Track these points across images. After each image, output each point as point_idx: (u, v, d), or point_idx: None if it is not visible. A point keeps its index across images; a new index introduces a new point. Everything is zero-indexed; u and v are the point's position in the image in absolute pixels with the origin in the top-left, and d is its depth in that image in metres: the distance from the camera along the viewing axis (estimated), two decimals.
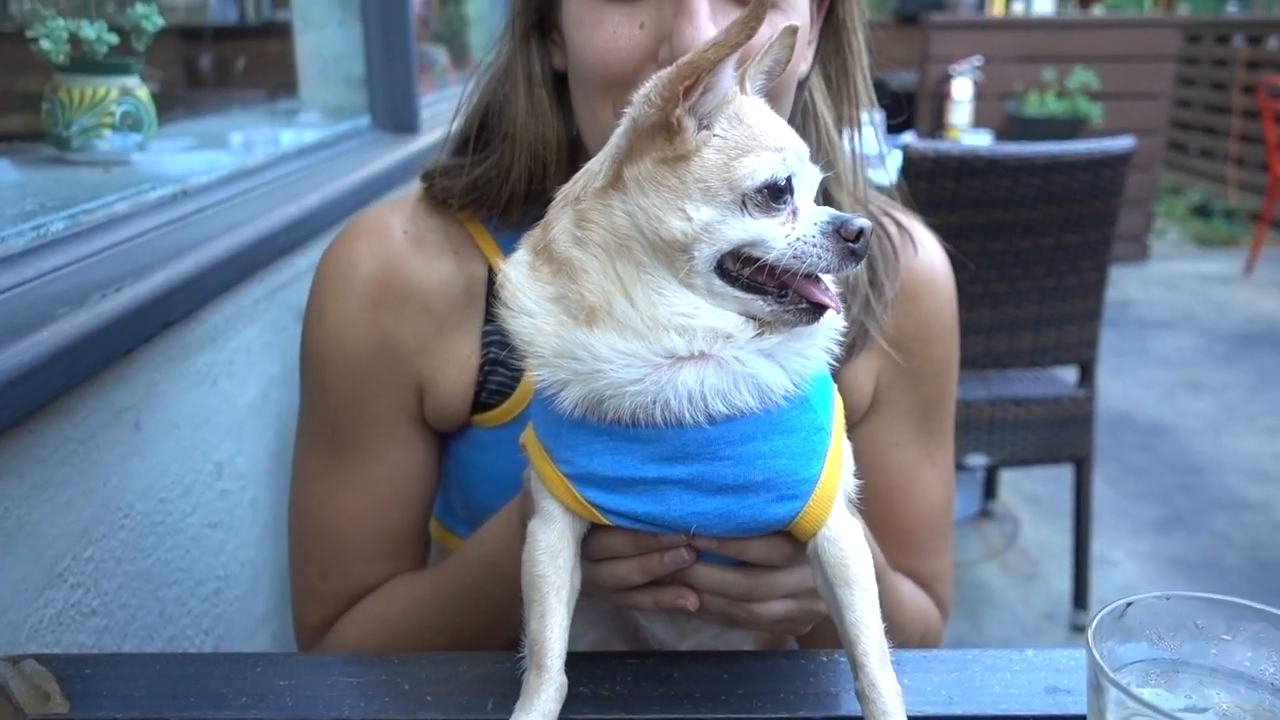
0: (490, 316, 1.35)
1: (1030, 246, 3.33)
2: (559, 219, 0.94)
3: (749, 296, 0.89)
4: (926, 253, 1.44)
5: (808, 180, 0.91)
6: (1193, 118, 11.10)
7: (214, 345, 1.69)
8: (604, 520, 0.95)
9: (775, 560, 1.00)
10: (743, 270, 0.89)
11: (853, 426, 1.18)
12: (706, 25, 1.12)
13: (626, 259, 0.89)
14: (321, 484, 1.38)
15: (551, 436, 0.97)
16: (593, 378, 0.90)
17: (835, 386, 1.01)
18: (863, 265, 1.30)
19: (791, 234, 0.88)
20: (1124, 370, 6.33)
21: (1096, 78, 7.24)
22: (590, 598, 1.02)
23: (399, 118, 2.96)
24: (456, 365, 1.35)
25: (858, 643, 0.92)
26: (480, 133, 1.35)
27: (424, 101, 3.06)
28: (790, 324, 0.90)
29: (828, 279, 0.93)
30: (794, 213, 0.89)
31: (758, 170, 0.87)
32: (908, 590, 1.41)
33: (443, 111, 3.26)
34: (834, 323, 0.95)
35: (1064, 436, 3.60)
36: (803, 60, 1.24)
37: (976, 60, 7.17)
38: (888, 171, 1.59)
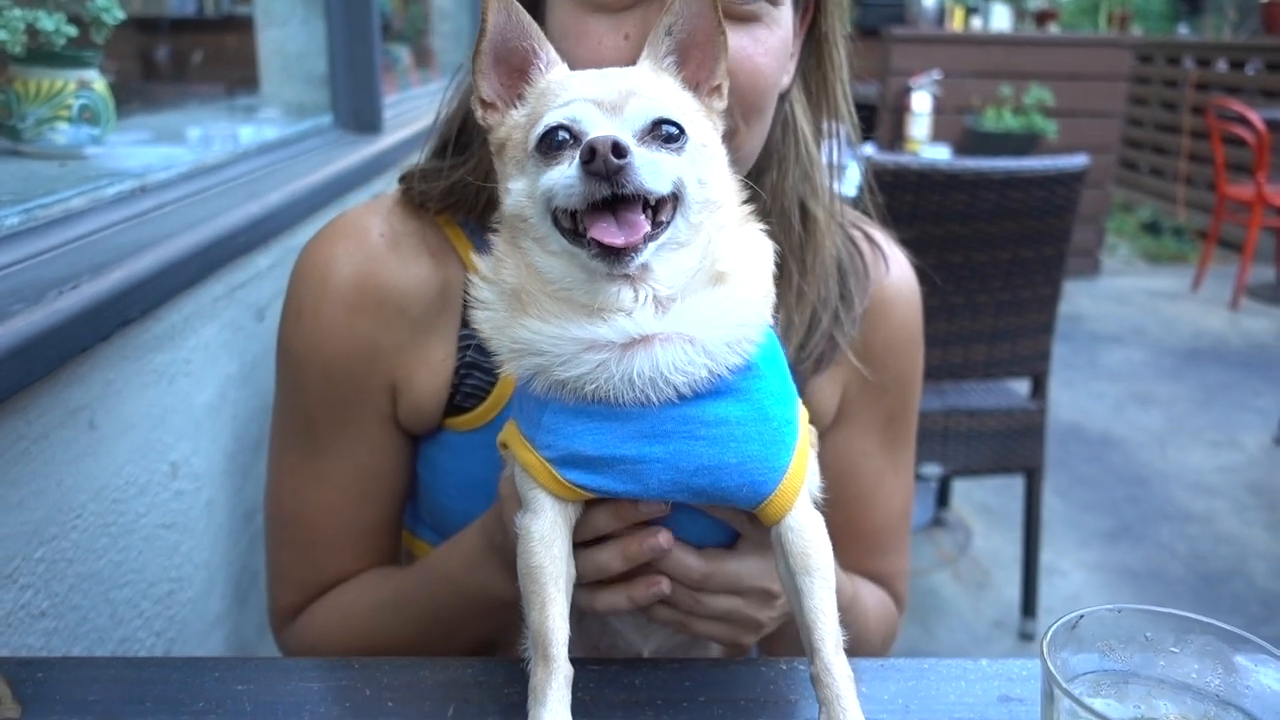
0: (467, 320, 1.35)
1: (986, 260, 3.37)
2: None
3: (576, 249, 0.91)
4: (898, 268, 1.46)
5: (623, 120, 0.91)
6: (1144, 136, 11.33)
7: (172, 344, 1.66)
8: (585, 495, 0.97)
9: (737, 522, 1.03)
10: (566, 224, 0.91)
11: (820, 437, 1.20)
12: None
13: (516, 241, 0.97)
14: (295, 477, 1.39)
15: (532, 427, 0.99)
16: (544, 365, 0.93)
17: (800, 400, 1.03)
18: (833, 280, 1.34)
19: (564, 174, 0.89)
20: (1074, 383, 6.44)
21: (1052, 95, 7.37)
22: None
23: (362, 117, 2.93)
24: (431, 368, 1.35)
25: (815, 628, 0.95)
26: (459, 137, 1.36)
27: (387, 101, 3.04)
28: (604, 272, 0.91)
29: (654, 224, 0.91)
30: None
31: (537, 130, 0.93)
32: (871, 602, 1.43)
33: (406, 112, 3.25)
34: (756, 276, 0.98)
35: (1015, 447, 3.66)
36: (785, 73, 1.26)
37: (935, 74, 7.27)
38: (850, 181, 1.61)
